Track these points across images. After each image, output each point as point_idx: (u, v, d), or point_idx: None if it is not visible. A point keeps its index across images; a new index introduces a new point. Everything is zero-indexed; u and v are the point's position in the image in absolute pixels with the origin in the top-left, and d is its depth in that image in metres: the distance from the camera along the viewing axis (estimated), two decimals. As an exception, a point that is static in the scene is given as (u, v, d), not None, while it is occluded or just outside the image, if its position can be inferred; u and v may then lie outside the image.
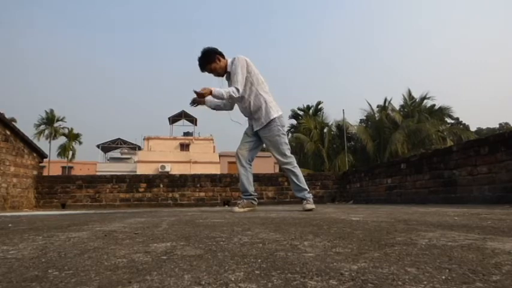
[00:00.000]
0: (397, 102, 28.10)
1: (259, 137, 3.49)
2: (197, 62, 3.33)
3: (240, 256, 0.89)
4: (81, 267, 0.80)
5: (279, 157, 3.38)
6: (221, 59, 3.32)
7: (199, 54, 3.32)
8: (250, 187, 3.46)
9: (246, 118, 3.57)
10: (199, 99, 3.36)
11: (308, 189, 3.43)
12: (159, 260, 0.87)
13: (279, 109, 3.42)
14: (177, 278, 0.68)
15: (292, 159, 3.42)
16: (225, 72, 3.38)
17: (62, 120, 37.62)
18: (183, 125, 35.31)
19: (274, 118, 3.34)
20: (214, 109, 3.57)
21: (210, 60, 3.30)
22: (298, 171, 3.42)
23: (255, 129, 3.44)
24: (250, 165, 3.51)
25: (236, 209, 3.34)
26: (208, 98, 3.36)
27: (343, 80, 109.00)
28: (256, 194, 3.55)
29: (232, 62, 3.31)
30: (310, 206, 3.26)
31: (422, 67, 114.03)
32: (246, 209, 3.34)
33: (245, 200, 3.43)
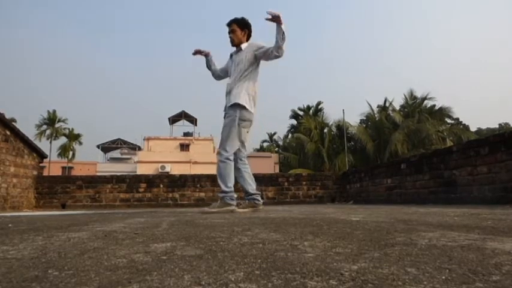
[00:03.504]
0: (397, 103, 28.13)
1: None
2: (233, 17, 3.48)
3: (240, 256, 0.89)
4: (81, 267, 0.80)
5: (219, 148, 3.34)
6: (245, 35, 3.48)
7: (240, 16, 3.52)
8: (249, 187, 3.40)
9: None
10: (203, 51, 3.70)
11: (226, 190, 3.24)
12: (159, 260, 0.87)
13: (252, 105, 3.33)
14: (177, 278, 0.68)
15: (226, 154, 3.25)
16: (236, 46, 3.48)
17: (63, 121, 37.70)
18: (183, 125, 35.36)
19: (238, 104, 3.25)
20: (207, 67, 3.76)
21: (240, 25, 3.45)
22: (223, 167, 3.24)
23: (227, 107, 3.40)
24: (244, 163, 3.46)
25: (235, 208, 3.26)
26: (211, 56, 3.72)
27: (343, 80, 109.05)
28: (257, 192, 3.43)
29: (252, 43, 3.46)
30: (211, 209, 3.15)
31: (423, 67, 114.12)
32: (246, 210, 3.27)
33: (246, 201, 3.40)
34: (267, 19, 3.06)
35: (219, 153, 3.31)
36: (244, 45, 3.45)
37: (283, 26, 3.09)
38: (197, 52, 3.69)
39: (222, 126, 3.39)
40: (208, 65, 3.75)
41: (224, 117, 3.41)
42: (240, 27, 3.44)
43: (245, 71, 3.36)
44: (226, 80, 3.58)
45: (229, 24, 3.45)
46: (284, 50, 3.19)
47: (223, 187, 3.25)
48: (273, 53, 3.23)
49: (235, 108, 3.28)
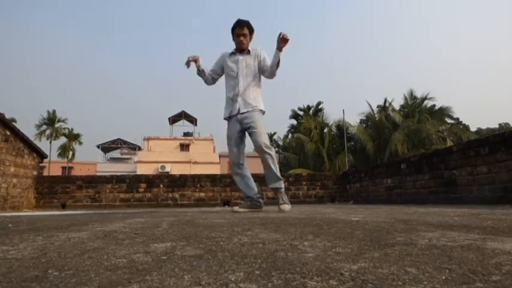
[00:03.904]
0: (397, 103, 28.13)
1: (241, 133, 3.42)
2: (244, 19, 3.43)
3: (240, 256, 0.89)
4: (81, 267, 0.80)
5: (266, 142, 3.33)
6: (252, 39, 3.51)
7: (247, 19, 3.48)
8: (251, 191, 3.44)
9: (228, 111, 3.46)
10: (195, 58, 3.47)
11: (282, 179, 3.43)
12: (159, 260, 0.87)
13: None
14: (177, 278, 0.68)
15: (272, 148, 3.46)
16: (244, 50, 3.47)
17: (63, 121, 37.73)
18: (183, 125, 35.37)
19: (261, 110, 3.42)
20: (198, 74, 3.58)
21: (250, 30, 3.44)
22: (275, 158, 3.43)
23: (241, 111, 3.35)
24: (244, 167, 3.49)
25: (236, 208, 3.36)
26: (201, 61, 3.52)
27: (343, 80, 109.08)
28: (259, 195, 3.51)
29: (256, 49, 3.49)
30: (287, 206, 3.27)
31: (423, 67, 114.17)
32: (246, 210, 3.33)
33: (249, 203, 3.43)
34: (279, 38, 3.18)
35: (270, 148, 3.35)
36: (250, 49, 3.48)
37: (281, 54, 3.22)
38: (191, 61, 3.47)
39: (253, 124, 3.32)
40: (200, 72, 3.55)
41: (242, 118, 3.35)
42: (249, 32, 3.43)
43: (256, 76, 3.44)
44: (230, 81, 3.47)
45: (243, 27, 3.38)
46: (276, 75, 3.35)
47: (280, 175, 3.40)
48: (265, 73, 3.41)
49: (260, 112, 3.39)
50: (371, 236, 1.21)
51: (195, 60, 3.50)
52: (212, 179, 7.58)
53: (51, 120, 37.25)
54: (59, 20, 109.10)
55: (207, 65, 3.61)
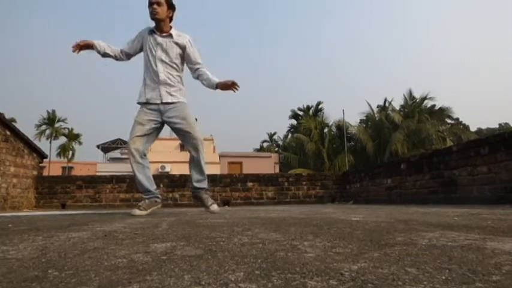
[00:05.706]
0: (397, 103, 28.15)
1: (156, 123, 3.05)
2: None
3: (240, 256, 0.89)
4: (81, 267, 0.80)
5: (198, 140, 3.05)
6: (169, 16, 3.01)
7: None
8: (152, 185, 3.08)
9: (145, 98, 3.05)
10: (86, 43, 3.00)
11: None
12: (159, 260, 0.87)
13: None
14: (177, 278, 0.68)
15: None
16: (157, 21, 2.98)
17: (63, 121, 37.77)
18: (183, 125, 35.29)
19: (185, 103, 3.09)
20: (103, 55, 3.10)
21: (168, 1, 2.94)
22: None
23: (163, 101, 3.00)
24: (146, 158, 3.08)
25: (137, 211, 2.91)
26: (98, 43, 3.04)
27: (343, 80, 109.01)
28: (158, 191, 3.16)
29: (189, 41, 3.11)
30: (216, 207, 3.22)
31: (422, 67, 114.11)
32: (149, 210, 3.01)
33: (147, 200, 3.04)
34: (228, 85, 3.00)
35: (201, 150, 3.09)
36: (174, 33, 3.05)
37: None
38: (81, 45, 2.98)
39: (180, 119, 3.02)
40: (102, 53, 3.06)
41: (167, 110, 3.02)
42: (167, 4, 2.94)
43: (178, 65, 3.10)
44: (149, 64, 3.07)
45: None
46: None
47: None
48: (195, 73, 3.15)
49: (187, 105, 3.10)
50: (371, 236, 1.21)
51: (87, 45, 3.00)
52: (212, 179, 7.57)
53: (51, 120, 37.29)
54: (59, 20, 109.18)
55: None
